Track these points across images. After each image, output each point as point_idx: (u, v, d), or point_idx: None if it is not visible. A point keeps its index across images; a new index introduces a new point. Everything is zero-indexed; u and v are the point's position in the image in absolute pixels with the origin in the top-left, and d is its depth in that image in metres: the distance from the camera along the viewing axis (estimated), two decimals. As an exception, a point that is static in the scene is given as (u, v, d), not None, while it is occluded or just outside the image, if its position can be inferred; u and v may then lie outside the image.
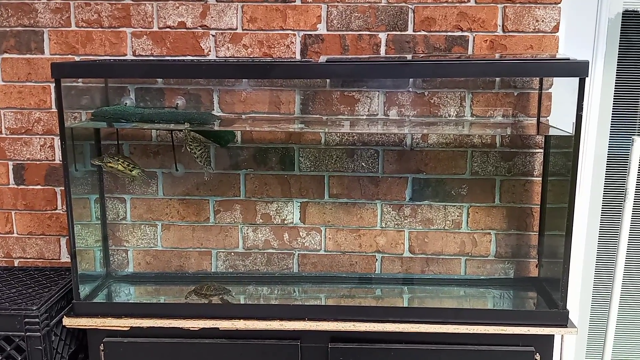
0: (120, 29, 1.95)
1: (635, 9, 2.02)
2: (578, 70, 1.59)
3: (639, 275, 2.25)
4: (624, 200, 1.72)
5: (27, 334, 1.74)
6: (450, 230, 2.03)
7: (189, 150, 1.84)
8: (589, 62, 1.58)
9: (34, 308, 1.74)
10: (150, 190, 2.05)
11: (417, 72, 1.75)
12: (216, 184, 2.03)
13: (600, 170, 2.12)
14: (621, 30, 2.02)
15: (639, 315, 2.28)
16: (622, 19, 2.02)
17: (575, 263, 2.10)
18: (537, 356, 1.74)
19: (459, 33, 1.89)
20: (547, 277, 1.91)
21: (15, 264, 2.13)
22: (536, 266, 2.01)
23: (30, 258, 2.13)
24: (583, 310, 2.21)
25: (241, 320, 1.77)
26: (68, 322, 1.79)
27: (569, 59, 1.62)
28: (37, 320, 1.73)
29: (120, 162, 1.85)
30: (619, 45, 2.03)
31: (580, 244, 2.12)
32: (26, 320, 1.73)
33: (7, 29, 1.96)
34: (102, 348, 1.78)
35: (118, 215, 2.07)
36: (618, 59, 2.04)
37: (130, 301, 1.96)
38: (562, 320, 1.73)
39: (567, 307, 1.74)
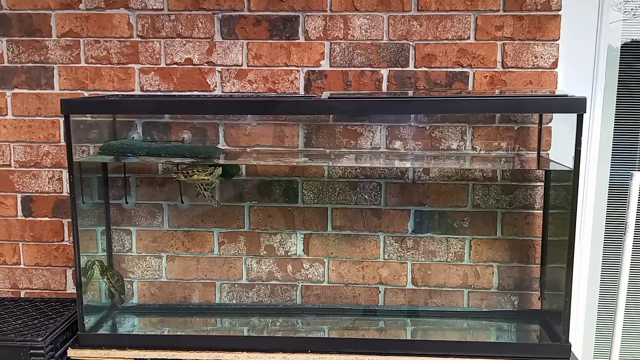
0: (129, 66, 2.00)
1: (634, 39, 2.06)
2: (576, 106, 1.61)
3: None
4: (625, 234, 1.74)
5: (32, 365, 1.76)
6: (452, 263, 2.04)
7: (200, 186, 1.88)
8: (586, 98, 1.61)
9: (40, 339, 1.75)
10: (155, 222, 2.07)
11: (418, 108, 1.79)
12: (220, 216, 2.06)
13: (602, 202, 2.13)
14: (620, 60, 2.05)
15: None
16: (622, 50, 2.05)
17: (579, 294, 2.11)
18: (540, 390, 1.74)
19: (460, 69, 1.93)
20: (550, 310, 1.91)
21: (22, 295, 2.15)
22: (538, 298, 2.02)
23: (36, 289, 2.15)
24: (587, 341, 2.20)
25: (244, 352, 1.78)
26: (73, 353, 1.80)
27: (566, 96, 1.65)
28: (42, 351, 1.75)
29: (197, 172, 1.85)
30: (619, 76, 2.06)
31: (584, 275, 2.12)
32: (31, 351, 1.75)
33: (18, 65, 2.02)
34: (106, 380, 1.80)
35: (124, 247, 2.09)
36: (618, 90, 2.07)
37: (134, 333, 1.97)
38: (564, 353, 1.73)
39: (570, 340, 1.74)
